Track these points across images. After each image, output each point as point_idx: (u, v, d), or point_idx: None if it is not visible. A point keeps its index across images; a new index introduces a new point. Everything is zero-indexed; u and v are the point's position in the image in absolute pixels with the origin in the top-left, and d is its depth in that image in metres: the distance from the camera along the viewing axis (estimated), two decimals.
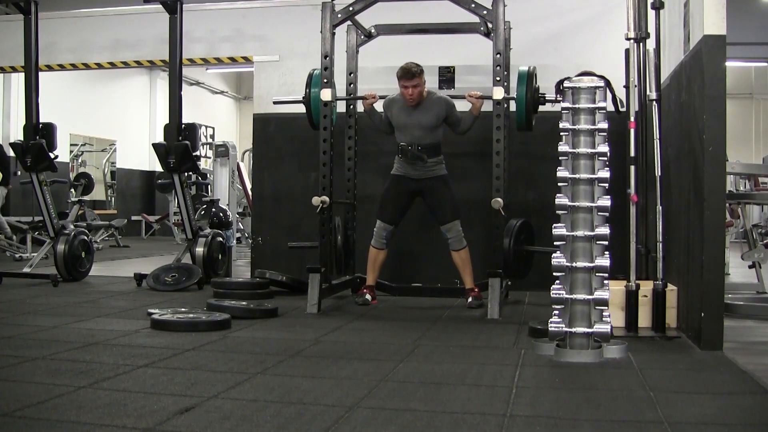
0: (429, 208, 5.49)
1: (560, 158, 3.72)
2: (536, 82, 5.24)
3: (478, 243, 5.69)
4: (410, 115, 5.34)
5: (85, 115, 13.70)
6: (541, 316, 4.43)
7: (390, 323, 4.76)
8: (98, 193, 14.06)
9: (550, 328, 3.60)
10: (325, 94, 5.26)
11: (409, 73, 5.19)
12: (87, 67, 7.71)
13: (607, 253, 3.61)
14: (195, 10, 7.01)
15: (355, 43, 5.97)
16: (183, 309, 4.71)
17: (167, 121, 6.53)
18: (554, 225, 3.65)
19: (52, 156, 6.69)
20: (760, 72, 16.92)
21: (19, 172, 10.70)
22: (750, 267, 6.31)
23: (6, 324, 4.41)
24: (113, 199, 15.00)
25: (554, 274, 3.63)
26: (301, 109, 5.70)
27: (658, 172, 4.27)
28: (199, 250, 6.63)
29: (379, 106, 5.49)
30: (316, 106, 5.47)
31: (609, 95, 4.03)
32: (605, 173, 3.64)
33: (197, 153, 6.91)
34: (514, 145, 6.04)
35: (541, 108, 5.28)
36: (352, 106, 5.95)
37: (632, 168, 4.27)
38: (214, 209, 8.47)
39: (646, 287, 4.20)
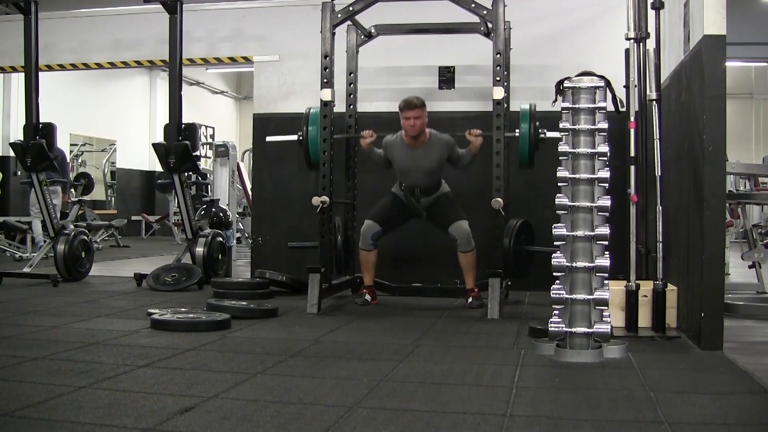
0: (433, 222, 5.49)
1: (560, 158, 3.73)
2: (536, 120, 5.27)
3: (478, 243, 5.67)
4: (412, 159, 5.35)
5: (85, 115, 13.71)
6: (541, 316, 4.43)
7: (390, 323, 4.76)
8: (98, 193, 14.07)
9: (550, 328, 3.60)
10: (325, 94, 5.26)
11: (411, 104, 5.24)
12: (87, 67, 7.71)
13: (607, 253, 3.61)
14: (195, 10, 7.00)
15: (355, 43, 5.97)
16: (183, 309, 4.71)
17: (167, 121, 6.53)
18: (554, 225, 3.65)
19: (51, 156, 6.69)
20: (760, 72, 16.93)
21: (18, 172, 10.74)
22: (750, 267, 6.31)
23: (6, 324, 4.41)
24: (113, 199, 15.01)
25: (554, 274, 3.63)
26: (300, 109, 5.69)
27: (658, 172, 4.27)
28: (199, 250, 6.63)
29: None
30: (314, 146, 5.44)
31: (609, 95, 4.03)
32: (605, 173, 3.65)
33: (197, 153, 6.91)
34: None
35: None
36: (351, 106, 5.94)
37: (632, 168, 4.27)
38: (214, 209, 8.46)
39: (646, 287, 4.20)
